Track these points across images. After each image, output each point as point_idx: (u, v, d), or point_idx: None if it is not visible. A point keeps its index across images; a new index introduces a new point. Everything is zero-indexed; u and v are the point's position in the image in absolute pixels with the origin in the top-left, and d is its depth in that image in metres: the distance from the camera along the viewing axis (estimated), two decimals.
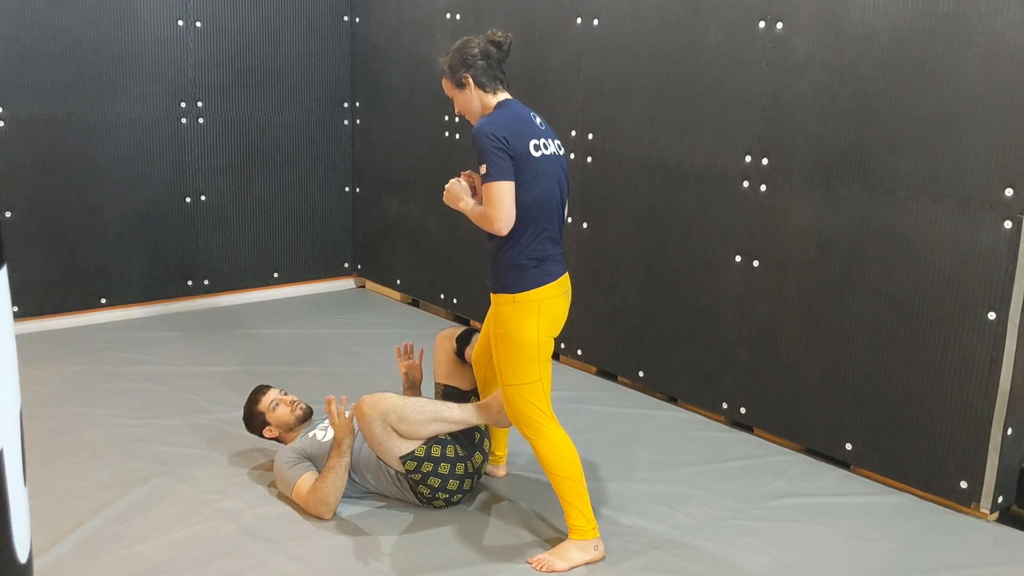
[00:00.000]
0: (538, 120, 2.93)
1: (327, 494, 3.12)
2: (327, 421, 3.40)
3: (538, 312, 2.85)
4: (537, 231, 2.84)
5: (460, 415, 3.14)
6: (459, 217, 5.20)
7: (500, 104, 2.91)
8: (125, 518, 3.13)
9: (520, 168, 2.79)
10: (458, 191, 2.94)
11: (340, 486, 3.14)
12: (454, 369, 3.44)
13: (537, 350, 2.87)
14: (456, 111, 3.03)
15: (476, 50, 2.89)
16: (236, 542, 3.00)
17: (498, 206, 2.76)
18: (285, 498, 3.29)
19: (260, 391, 3.51)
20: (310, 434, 3.37)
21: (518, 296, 2.84)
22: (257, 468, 3.53)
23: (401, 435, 3.07)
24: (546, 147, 2.86)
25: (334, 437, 3.17)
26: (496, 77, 2.92)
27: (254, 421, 3.47)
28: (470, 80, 2.90)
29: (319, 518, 3.15)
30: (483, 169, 2.77)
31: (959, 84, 3.16)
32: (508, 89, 2.97)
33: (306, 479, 3.19)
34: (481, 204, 2.84)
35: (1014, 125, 3.05)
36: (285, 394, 3.49)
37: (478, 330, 3.44)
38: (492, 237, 2.87)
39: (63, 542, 2.96)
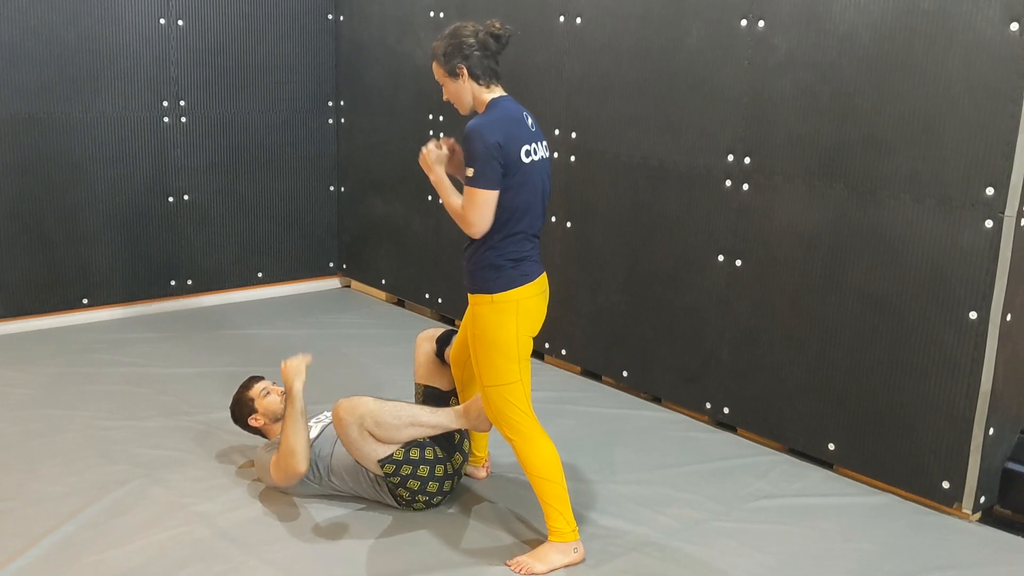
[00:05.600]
0: (530, 121, 2.87)
1: (290, 443, 3.10)
2: (313, 419, 3.38)
3: (516, 312, 2.82)
4: (517, 234, 2.81)
5: (438, 420, 3.11)
6: (444, 217, 5.18)
7: (494, 102, 2.83)
8: (99, 522, 3.09)
9: (508, 173, 2.75)
10: (432, 159, 2.88)
11: (300, 433, 3.11)
12: (434, 370, 3.40)
13: (516, 350, 2.84)
14: (444, 98, 2.95)
15: (473, 40, 2.79)
16: (211, 546, 2.97)
17: (478, 212, 2.73)
18: (263, 500, 3.26)
19: (253, 379, 3.54)
20: None
21: (496, 297, 2.81)
22: (234, 471, 3.50)
23: (378, 439, 3.04)
24: (535, 152, 2.82)
25: (285, 386, 3.19)
26: (492, 70, 2.84)
27: (242, 407, 3.46)
28: (465, 71, 2.81)
29: (295, 474, 3.11)
30: (470, 172, 2.73)
31: (940, 83, 3.15)
32: (502, 83, 2.90)
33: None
34: (460, 178, 2.81)
35: (995, 124, 3.03)
36: (277, 385, 3.53)
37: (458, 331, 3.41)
38: (472, 239, 2.85)
39: (37, 547, 2.92)
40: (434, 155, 2.87)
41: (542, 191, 2.86)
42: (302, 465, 3.11)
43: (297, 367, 3.22)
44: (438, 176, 2.86)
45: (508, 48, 2.91)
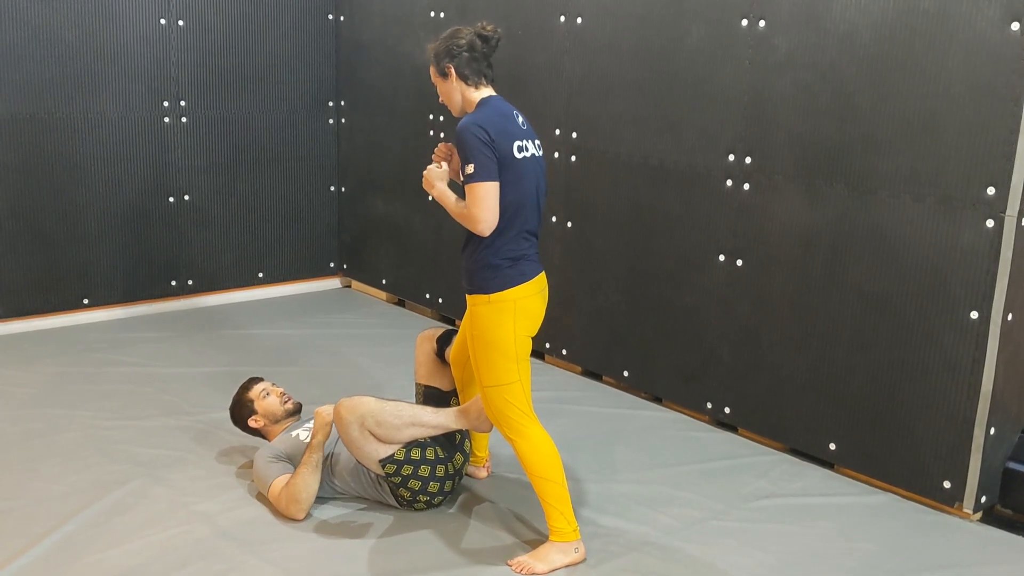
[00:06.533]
0: (520, 119, 2.90)
1: (298, 491, 3.10)
2: (312, 423, 3.38)
3: (514, 312, 2.82)
4: (513, 233, 2.81)
5: (438, 420, 3.11)
6: (444, 216, 5.17)
7: (484, 100, 2.87)
8: (100, 521, 3.09)
9: (502, 168, 2.76)
10: (433, 177, 2.91)
11: (311, 484, 3.11)
12: (434, 370, 3.41)
13: (515, 350, 2.84)
14: (439, 100, 3.00)
15: (463, 41, 2.85)
16: (211, 545, 2.97)
17: (484, 207, 2.74)
18: (262, 500, 3.26)
19: (252, 380, 3.55)
20: (293, 433, 3.35)
21: (493, 296, 2.81)
22: (235, 470, 3.50)
23: (379, 439, 3.04)
24: (527, 149, 2.84)
25: (311, 433, 3.16)
26: (480, 71, 2.88)
27: (242, 408, 3.46)
28: (452, 71, 2.86)
29: (293, 519, 3.13)
30: (469, 169, 2.74)
31: (940, 82, 3.15)
32: (493, 84, 2.93)
33: (282, 479, 3.16)
34: (461, 183, 2.81)
35: (995, 123, 3.03)
36: (276, 386, 3.53)
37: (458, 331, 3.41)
38: (469, 238, 2.85)
39: (38, 546, 2.92)
40: (435, 173, 2.92)
41: (536, 188, 2.87)
42: (300, 515, 3.12)
43: (327, 421, 3.15)
44: (440, 191, 2.90)
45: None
